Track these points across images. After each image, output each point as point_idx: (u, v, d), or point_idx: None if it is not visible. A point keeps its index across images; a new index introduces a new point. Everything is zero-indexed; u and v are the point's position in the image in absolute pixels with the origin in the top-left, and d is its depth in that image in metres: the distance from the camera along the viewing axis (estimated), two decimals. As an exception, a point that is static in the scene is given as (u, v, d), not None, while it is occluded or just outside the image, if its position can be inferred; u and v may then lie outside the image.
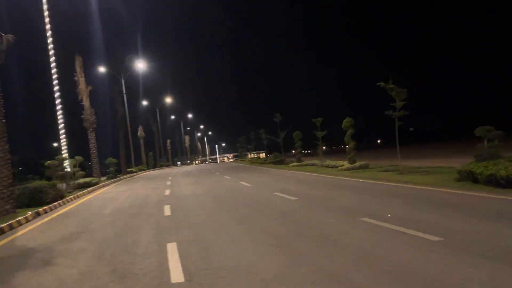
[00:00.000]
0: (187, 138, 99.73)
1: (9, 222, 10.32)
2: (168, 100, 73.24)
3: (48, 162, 19.71)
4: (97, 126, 30.95)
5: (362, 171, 18.71)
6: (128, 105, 46.25)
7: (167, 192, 16.83)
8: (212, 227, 7.91)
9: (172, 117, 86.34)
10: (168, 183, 22.84)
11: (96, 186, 23.45)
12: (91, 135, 30.28)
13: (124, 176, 35.64)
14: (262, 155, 65.69)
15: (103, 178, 31.11)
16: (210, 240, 6.70)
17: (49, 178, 18.70)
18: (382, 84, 15.34)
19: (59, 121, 23.05)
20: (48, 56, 22.54)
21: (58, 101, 22.94)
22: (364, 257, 4.99)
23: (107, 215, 11.21)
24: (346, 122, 21.55)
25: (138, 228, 8.66)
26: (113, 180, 30.11)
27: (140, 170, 47.83)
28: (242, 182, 18.48)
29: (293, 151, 39.27)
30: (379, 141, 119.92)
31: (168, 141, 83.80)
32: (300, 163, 29.82)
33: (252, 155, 71.07)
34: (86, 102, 29.77)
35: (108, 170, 34.79)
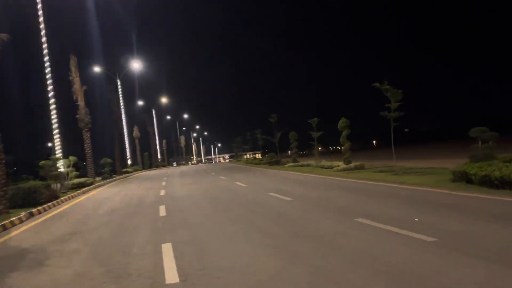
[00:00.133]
0: (182, 138, 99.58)
1: (3, 223, 10.25)
2: (164, 100, 73.16)
3: (43, 162, 19.60)
4: (92, 126, 30.83)
5: (357, 171, 18.75)
6: (123, 105, 46.14)
7: (162, 192, 16.78)
8: (208, 228, 7.89)
9: (168, 117, 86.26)
10: (164, 183, 22.78)
11: (91, 186, 23.34)
12: (86, 135, 30.13)
13: (119, 177, 35.51)
14: (258, 156, 65.69)
15: (98, 179, 30.97)
16: (206, 241, 6.68)
17: (43, 178, 18.59)
18: (377, 85, 15.37)
19: (54, 121, 22.95)
20: (43, 56, 22.43)
21: (52, 101, 22.85)
22: (359, 258, 4.99)
23: (101, 216, 11.15)
24: (342, 122, 21.59)
25: (133, 228, 8.62)
26: (108, 180, 29.99)
27: (136, 170, 47.66)
28: (238, 183, 18.46)
29: (289, 152, 39.28)
30: (374, 141, 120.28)
31: (164, 141, 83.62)
32: (296, 163, 29.84)
33: (248, 155, 71.04)
34: (81, 102, 29.62)
35: (103, 170, 34.66)
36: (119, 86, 45.58)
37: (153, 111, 71.59)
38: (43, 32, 22.25)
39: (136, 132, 61.56)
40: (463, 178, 10.91)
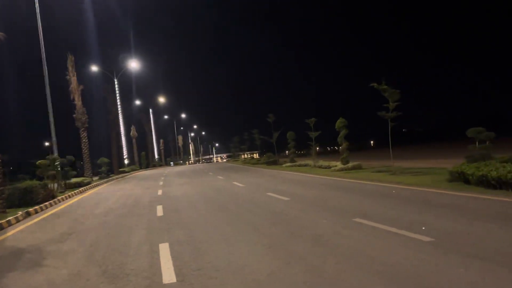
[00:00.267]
0: (180, 138, 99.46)
1: (-1, 222, 10.20)
2: (162, 99, 73.09)
3: (39, 161, 19.50)
4: (89, 125, 30.73)
5: (355, 171, 18.78)
6: (120, 105, 46.04)
7: (160, 192, 16.75)
8: (205, 228, 7.88)
9: (165, 117, 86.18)
10: (161, 183, 22.74)
11: (88, 186, 23.28)
12: (83, 135, 30.03)
13: (116, 176, 35.43)
14: (256, 156, 65.71)
15: (95, 178, 30.90)
16: (203, 241, 6.67)
17: (40, 178, 18.52)
18: (375, 85, 15.40)
19: (51, 121, 22.86)
20: (40, 55, 22.36)
21: (49, 100, 22.76)
22: (356, 257, 4.99)
23: (98, 216, 11.12)
24: (339, 122, 21.62)
25: (129, 228, 8.60)
26: (105, 180, 29.93)
27: (133, 170, 47.58)
28: (235, 183, 18.45)
29: (287, 152, 39.32)
30: (372, 142, 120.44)
31: (161, 141, 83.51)
32: (293, 163, 29.85)
33: (246, 155, 71.04)
34: (78, 101, 29.51)
35: (100, 170, 34.58)
36: (116, 86, 45.49)
37: (151, 110, 71.49)
38: (40, 31, 22.16)
39: (133, 132, 61.45)
40: (461, 178, 10.94)
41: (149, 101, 71.58)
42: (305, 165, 26.91)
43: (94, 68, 41.26)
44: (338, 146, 22.78)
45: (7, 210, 12.62)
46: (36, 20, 22.20)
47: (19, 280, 5.45)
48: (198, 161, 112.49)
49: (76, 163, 25.97)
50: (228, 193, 14.34)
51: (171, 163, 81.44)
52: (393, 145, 16.21)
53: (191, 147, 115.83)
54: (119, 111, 45.97)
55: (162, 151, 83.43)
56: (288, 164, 30.15)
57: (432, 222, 6.60)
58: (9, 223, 10.67)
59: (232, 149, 73.83)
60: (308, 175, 20.39)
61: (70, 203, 15.48)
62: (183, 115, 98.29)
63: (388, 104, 15.33)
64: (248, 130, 53.28)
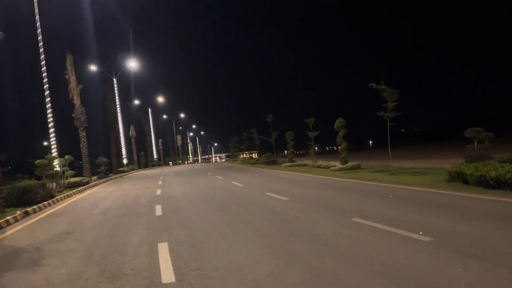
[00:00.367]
0: (179, 137, 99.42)
1: (-3, 222, 10.19)
2: (160, 99, 73.02)
3: (38, 161, 19.48)
4: (88, 125, 30.71)
5: (354, 171, 18.80)
6: (119, 104, 45.99)
7: (158, 192, 16.74)
8: (204, 227, 7.87)
9: (164, 116, 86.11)
10: (160, 182, 22.73)
11: (87, 185, 23.25)
12: (82, 134, 30.01)
13: (115, 176, 35.40)
14: (255, 155, 65.69)
15: (93, 178, 30.88)
16: (202, 240, 6.67)
17: (38, 177, 18.49)
18: (374, 85, 15.42)
19: (49, 120, 22.84)
20: (39, 54, 22.33)
21: (48, 99, 22.74)
22: (355, 257, 4.99)
23: (97, 215, 11.11)
24: (338, 122, 21.64)
25: (128, 228, 8.59)
26: (104, 179, 29.90)
27: (132, 169, 47.54)
28: (234, 182, 18.45)
29: (286, 152, 39.33)
30: (370, 142, 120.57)
31: (160, 140, 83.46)
32: (292, 163, 29.86)
33: (244, 155, 71.03)
34: (76, 101, 29.48)
35: (98, 170, 34.54)
36: (115, 85, 45.44)
37: (149, 110, 71.43)
38: (39, 31, 22.14)
39: (132, 131, 61.40)
40: (459, 178, 10.96)
41: (148, 101, 71.58)
42: (304, 165, 26.92)
43: (93, 68, 41.21)
44: (337, 146, 22.78)
45: (6, 209, 12.61)
46: (35, 19, 22.16)
47: (18, 280, 5.44)
48: (197, 160, 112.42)
49: (74, 162, 25.91)
50: (227, 192, 14.33)
51: (170, 162, 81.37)
52: (392, 145, 16.22)
53: (190, 147, 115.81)
54: (118, 111, 45.91)
55: (161, 151, 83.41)
56: (287, 164, 30.16)
57: (431, 222, 6.61)
58: (8, 223, 10.66)
59: (231, 149, 73.91)
60: (307, 175, 20.39)
61: (68, 203, 15.46)
62: (182, 115, 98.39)
63: (387, 104, 15.35)
64: (247, 130, 53.34)
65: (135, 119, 66.68)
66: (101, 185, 25.26)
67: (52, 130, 22.77)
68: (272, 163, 36.14)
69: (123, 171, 41.92)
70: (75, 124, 29.90)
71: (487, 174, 9.61)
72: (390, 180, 13.23)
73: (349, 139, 22.64)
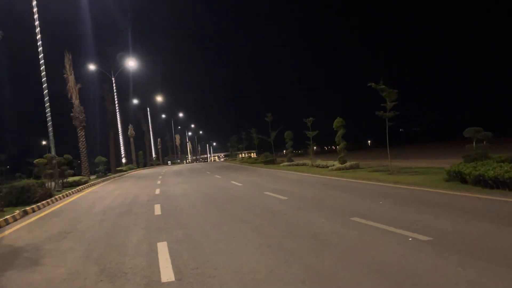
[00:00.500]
0: (177, 137, 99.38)
1: (-4, 221, 10.18)
2: (159, 99, 72.99)
3: (37, 160, 19.48)
4: (87, 124, 30.71)
5: (352, 171, 18.82)
6: (118, 104, 45.94)
7: (157, 191, 16.73)
8: (203, 227, 7.88)
9: (163, 116, 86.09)
10: (158, 182, 22.72)
11: (85, 185, 23.23)
12: (81, 133, 30.01)
13: (114, 175, 35.38)
14: (253, 155, 65.71)
15: (92, 177, 30.85)
16: (201, 240, 6.67)
17: (37, 177, 18.48)
18: (373, 84, 15.43)
19: (48, 119, 22.79)
20: (38, 54, 22.28)
21: (46, 98, 22.69)
22: (354, 256, 5.01)
23: (96, 214, 11.10)
24: (337, 122, 21.66)
25: (127, 227, 8.59)
26: (102, 179, 29.88)
27: (130, 169, 47.51)
28: (233, 182, 18.46)
29: (284, 151, 39.35)
30: (369, 141, 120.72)
31: (159, 140, 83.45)
32: (291, 163, 29.88)
33: (243, 154, 71.03)
34: (75, 100, 29.49)
35: (97, 169, 34.53)
36: (114, 85, 45.40)
37: (148, 109, 71.40)
38: (37, 30, 22.09)
39: (131, 131, 61.39)
40: (458, 178, 10.98)
41: (147, 101, 71.61)
42: (303, 165, 26.94)
43: (92, 67, 41.14)
44: (336, 145, 22.80)
45: (4, 209, 12.59)
46: (34, 18, 22.12)
47: (18, 279, 5.43)
48: (196, 160, 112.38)
49: (73, 162, 25.89)
50: (226, 192, 14.34)
51: (169, 162, 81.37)
52: (391, 145, 16.24)
53: (188, 147, 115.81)
54: (117, 110, 45.85)
55: (160, 150, 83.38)
56: (286, 163, 30.18)
57: (429, 222, 6.63)
58: (7, 222, 10.65)
59: (229, 148, 73.91)
60: (305, 174, 20.41)
61: (67, 202, 15.45)
62: (181, 115, 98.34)
63: (386, 103, 15.36)
64: (246, 130, 53.35)
65: (134, 118, 66.73)
66: (99, 185, 25.24)
67: (50, 129, 22.72)
68: (271, 162, 36.17)
69: (121, 171, 41.90)
70: (74, 123, 29.90)
71: (486, 174, 9.64)
72: (389, 180, 13.25)
73: (348, 139, 22.66)
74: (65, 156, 22.84)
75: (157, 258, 5.70)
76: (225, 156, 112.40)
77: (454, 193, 9.58)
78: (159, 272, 5.04)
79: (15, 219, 11.21)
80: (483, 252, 4.76)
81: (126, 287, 4.64)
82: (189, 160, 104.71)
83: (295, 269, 4.71)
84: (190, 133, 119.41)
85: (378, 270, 4.44)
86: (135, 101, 65.29)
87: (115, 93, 45.36)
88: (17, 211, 11.85)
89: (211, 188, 16.18)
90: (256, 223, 7.74)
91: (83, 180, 24.15)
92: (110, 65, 45.62)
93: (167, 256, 5.77)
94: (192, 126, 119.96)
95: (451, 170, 11.38)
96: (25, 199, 14.22)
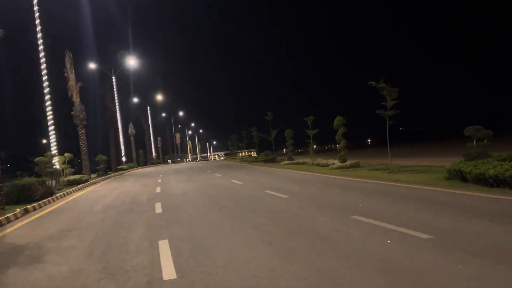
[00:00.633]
0: (178, 136, 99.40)
1: (-2, 219, 10.20)
2: (159, 97, 72.99)
3: (38, 158, 19.48)
4: (88, 123, 30.71)
5: (352, 169, 18.83)
6: (118, 102, 45.97)
7: (158, 189, 16.76)
8: (204, 225, 7.90)
9: (163, 114, 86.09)
10: (159, 180, 22.75)
11: (86, 183, 23.27)
12: (81, 132, 30.01)
13: (115, 174, 35.41)
14: (254, 154, 65.74)
15: (93, 175, 30.88)
16: (202, 238, 6.69)
17: (38, 175, 18.51)
18: (373, 83, 15.44)
19: (49, 118, 22.83)
20: (38, 52, 22.30)
21: (47, 97, 22.73)
22: (355, 255, 5.03)
23: (97, 213, 11.13)
24: (337, 121, 21.65)
25: (129, 225, 8.61)
26: (103, 177, 29.90)
27: (131, 167, 47.51)
28: (233, 180, 18.48)
29: (285, 150, 39.37)
30: (369, 140, 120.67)
31: (159, 138, 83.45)
32: (291, 161, 29.90)
33: (243, 153, 71.03)
34: (76, 99, 29.48)
35: (98, 168, 34.53)
36: (114, 83, 45.41)
37: (148, 108, 71.41)
38: (38, 28, 22.11)
39: (131, 129, 61.38)
40: (458, 176, 11.00)
41: (147, 99, 71.60)
42: (303, 163, 26.97)
43: (93, 66, 41.14)
44: (336, 144, 22.82)
45: (6, 207, 12.62)
46: (35, 17, 22.13)
47: (20, 277, 5.46)
48: (196, 158, 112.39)
49: (74, 160, 25.91)
50: (227, 190, 14.36)
51: (169, 161, 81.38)
52: (392, 144, 16.25)
53: (189, 145, 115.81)
54: (117, 109, 45.89)
55: (160, 149, 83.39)
56: (286, 162, 30.20)
57: (430, 220, 6.65)
58: (8, 220, 10.68)
59: (230, 147, 73.87)
60: (306, 173, 20.43)
61: (68, 200, 15.47)
62: (181, 113, 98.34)
63: (386, 102, 15.37)
64: (246, 128, 53.36)
65: (134, 117, 66.71)
66: (100, 183, 25.27)
67: (51, 127, 22.76)
68: (271, 161, 36.18)
69: (122, 169, 41.92)
70: (74, 121, 29.90)
71: (486, 172, 9.66)
72: (389, 178, 13.27)
73: (348, 138, 22.67)
74: (66, 154, 22.85)
75: (159, 256, 5.72)
76: (225, 154, 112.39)
77: (455, 191, 9.60)
78: (160, 270, 5.06)
79: (16, 217, 11.24)
80: (484, 250, 4.78)
81: (128, 285, 4.66)
82: (189, 159, 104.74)
83: (296, 267, 4.73)
84: (190, 132, 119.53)
85: (379, 268, 4.46)
86: (136, 100, 65.34)
87: (115, 92, 45.39)
88: (18, 209, 11.88)
89: (212, 187, 16.20)
90: (257, 221, 7.76)
91: (83, 178, 24.17)
92: (110, 64, 45.64)
93: (169, 254, 5.79)
94: (192, 125, 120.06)
95: (451, 168, 11.40)
96: (26, 198, 14.25)
